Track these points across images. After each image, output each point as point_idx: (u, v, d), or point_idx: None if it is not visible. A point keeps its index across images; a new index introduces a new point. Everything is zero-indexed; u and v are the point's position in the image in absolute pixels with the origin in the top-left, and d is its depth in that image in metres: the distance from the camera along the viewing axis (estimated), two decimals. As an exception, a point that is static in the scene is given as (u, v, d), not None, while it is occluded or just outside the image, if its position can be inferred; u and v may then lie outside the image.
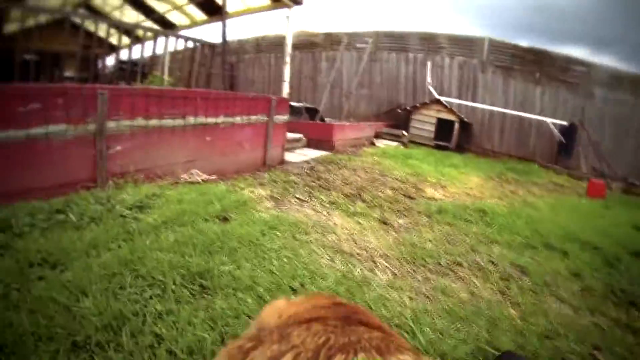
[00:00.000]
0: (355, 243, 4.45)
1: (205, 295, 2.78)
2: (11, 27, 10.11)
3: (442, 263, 4.24)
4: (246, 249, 3.60)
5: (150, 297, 2.65)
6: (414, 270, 3.98)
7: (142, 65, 8.64)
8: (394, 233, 5.04)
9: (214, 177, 6.20)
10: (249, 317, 2.56)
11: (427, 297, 3.44)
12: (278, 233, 4.20)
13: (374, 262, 4.04)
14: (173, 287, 2.77)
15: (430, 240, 4.87)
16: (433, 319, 3.03)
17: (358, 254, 4.15)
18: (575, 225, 6.52)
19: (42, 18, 9.81)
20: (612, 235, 6.18)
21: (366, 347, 0.75)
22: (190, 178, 5.87)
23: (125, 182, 5.05)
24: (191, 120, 6.13)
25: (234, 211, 4.64)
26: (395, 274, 3.83)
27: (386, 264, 4.02)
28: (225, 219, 4.40)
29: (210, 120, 6.48)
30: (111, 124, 5.03)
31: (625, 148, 14.70)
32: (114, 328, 2.31)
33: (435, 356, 2.56)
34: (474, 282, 3.91)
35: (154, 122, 5.58)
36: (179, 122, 5.94)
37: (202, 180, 5.93)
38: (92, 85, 4.92)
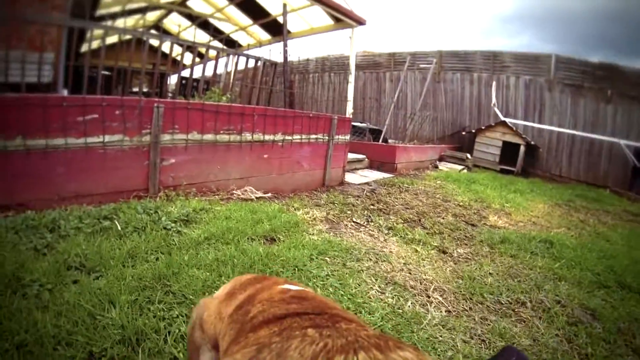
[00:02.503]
0: (410, 274, 4.08)
1: (238, 320, 2.53)
2: (87, 46, 10.67)
3: (502, 301, 3.77)
4: (290, 274, 3.33)
5: (177, 316, 2.46)
6: (470, 308, 3.55)
7: (204, 81, 8.75)
8: (452, 264, 4.61)
9: (268, 195, 6.05)
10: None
11: (483, 340, 3.01)
12: (327, 259, 3.91)
13: (428, 296, 3.66)
14: (204, 309, 2.55)
15: (490, 274, 4.40)
16: (488, 367, 2.62)
17: (412, 286, 3.77)
18: None
19: (116, 37, 10.29)
20: None
21: (365, 346, 0.74)
22: (243, 195, 5.73)
23: (177, 195, 4.99)
24: (248, 136, 6.02)
25: (283, 232, 4.40)
26: (450, 311, 3.44)
27: (441, 299, 3.62)
28: (272, 240, 4.16)
29: (268, 137, 6.35)
30: (166, 137, 5.03)
31: None
32: (132, 343, 2.17)
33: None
34: (537, 326, 3.42)
35: (209, 136, 5.51)
36: (234, 137, 5.85)
37: (256, 197, 5.77)
38: (148, 98, 4.96)
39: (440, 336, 2.90)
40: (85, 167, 4.36)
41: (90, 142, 4.35)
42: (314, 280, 3.33)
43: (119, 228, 3.65)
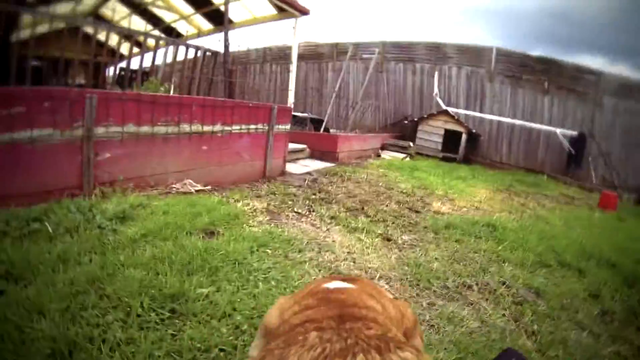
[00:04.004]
0: (355, 263, 4.12)
1: (176, 322, 2.47)
2: (20, 34, 10.12)
3: (449, 285, 3.89)
4: (230, 269, 3.28)
5: (113, 322, 2.36)
6: (417, 294, 3.64)
7: (141, 72, 8.48)
8: (397, 251, 4.70)
9: (208, 187, 5.95)
10: (223, 349, 2.28)
11: (432, 326, 3.10)
12: (269, 251, 3.88)
13: None
14: (140, 310, 2.47)
15: (436, 259, 4.52)
16: (438, 352, 2.70)
17: (357, 275, 3.80)
18: (589, 240, 6.20)
19: (52, 26, 9.78)
20: (629, 250, 5.90)
21: (365, 349, 0.74)
22: (182, 188, 5.62)
23: (113, 191, 4.80)
24: (186, 128, 5.88)
25: (223, 225, 4.35)
26: (397, 299, 3.51)
27: (387, 287, 3.69)
28: (212, 234, 4.10)
29: (207, 128, 6.22)
30: (100, 130, 4.81)
31: (636, 158, 14.46)
32: (64, 357, 2.06)
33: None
34: (485, 308, 3.56)
35: (145, 129, 5.33)
36: (172, 129, 5.70)
37: (195, 190, 5.67)
38: (80, 89, 4.73)
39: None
40: (12, 165, 4.09)
41: (16, 137, 4.08)
42: (255, 274, 3.30)
43: (50, 230, 3.47)
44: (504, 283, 4.13)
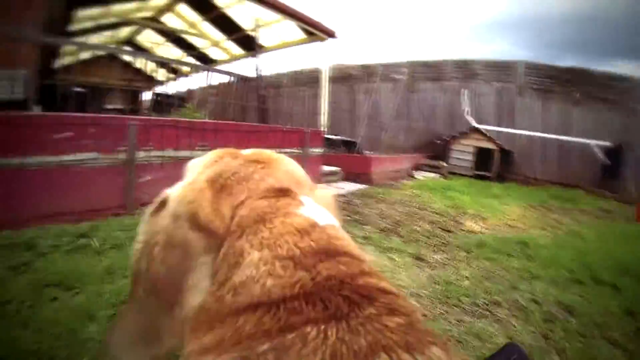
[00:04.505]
0: (386, 282, 4.16)
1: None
2: (60, 62, 10.64)
3: (478, 303, 3.87)
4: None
5: None
6: (446, 311, 3.63)
7: (177, 98, 8.80)
8: (428, 270, 4.70)
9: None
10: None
11: (460, 342, 3.10)
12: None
13: None
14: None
15: (467, 277, 4.50)
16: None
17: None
18: (626, 255, 5.98)
19: (89, 54, 10.25)
20: None
21: (389, 345, 0.52)
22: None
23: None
24: (222, 151, 6.07)
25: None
26: (426, 315, 3.52)
27: (416, 304, 3.70)
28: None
29: (242, 152, 6.40)
30: (141, 154, 5.10)
31: None
32: None
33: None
34: (513, 325, 3.54)
35: (184, 153, 5.59)
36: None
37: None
38: (123, 116, 5.01)
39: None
40: (61, 186, 4.39)
41: (65, 160, 4.40)
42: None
43: (97, 245, 3.69)
44: (534, 300, 4.07)
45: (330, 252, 0.67)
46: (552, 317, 3.75)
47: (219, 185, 0.78)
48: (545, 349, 3.17)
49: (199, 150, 5.76)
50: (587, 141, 14.25)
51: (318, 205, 0.80)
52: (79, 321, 2.46)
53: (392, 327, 0.54)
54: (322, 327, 0.53)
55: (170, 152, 5.43)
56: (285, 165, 0.93)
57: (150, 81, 12.24)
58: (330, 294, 0.58)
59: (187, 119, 6.06)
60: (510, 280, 4.58)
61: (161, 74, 12.39)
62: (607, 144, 14.01)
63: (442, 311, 3.62)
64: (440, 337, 0.57)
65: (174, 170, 5.47)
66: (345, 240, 0.73)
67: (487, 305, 3.86)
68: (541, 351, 3.12)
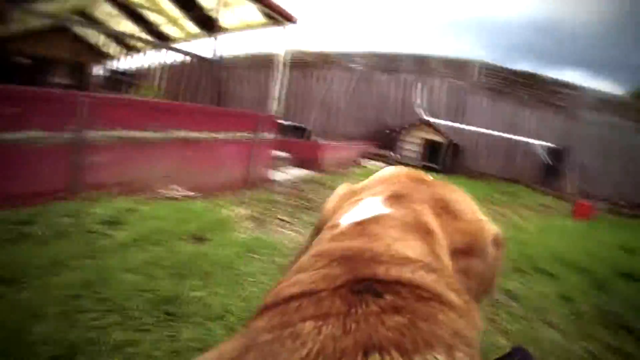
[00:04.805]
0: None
1: (172, 324, 2.56)
2: (6, 30, 10.01)
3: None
4: (220, 273, 3.37)
5: (111, 324, 2.42)
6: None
7: (132, 75, 8.49)
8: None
9: (193, 193, 6.01)
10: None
11: None
12: (256, 256, 3.99)
13: None
14: (137, 313, 2.55)
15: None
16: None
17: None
18: (563, 247, 6.47)
19: (38, 23, 9.69)
20: (600, 256, 6.17)
21: (381, 345, 0.51)
22: (169, 193, 5.67)
23: (101, 195, 4.81)
24: (174, 134, 5.94)
25: (211, 231, 4.43)
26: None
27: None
28: (201, 239, 4.18)
29: (194, 134, 6.29)
30: (90, 134, 4.83)
31: (611, 169, 15.08)
32: None
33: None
34: None
35: (135, 134, 5.38)
36: (161, 135, 5.74)
37: (181, 196, 5.73)
38: (72, 91, 4.75)
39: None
40: (1, 167, 4.11)
41: (6, 138, 4.09)
42: (243, 277, 3.41)
43: (39, 233, 3.51)
44: None
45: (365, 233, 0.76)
46: (496, 302, 4.00)
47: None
48: (491, 331, 3.41)
49: (150, 131, 5.57)
50: (532, 141, 15.06)
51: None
52: (25, 321, 2.32)
53: (389, 326, 0.54)
54: (320, 323, 0.55)
55: (121, 132, 5.19)
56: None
57: (102, 56, 11.67)
58: (343, 290, 0.61)
59: (140, 98, 5.85)
60: None
61: (114, 49, 11.83)
62: (550, 145, 14.95)
63: None
64: (446, 339, 0.55)
65: (123, 152, 5.30)
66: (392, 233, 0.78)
67: None
68: (487, 333, 3.32)
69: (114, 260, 3.21)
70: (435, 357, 0.51)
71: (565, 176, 15.16)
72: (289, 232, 5.22)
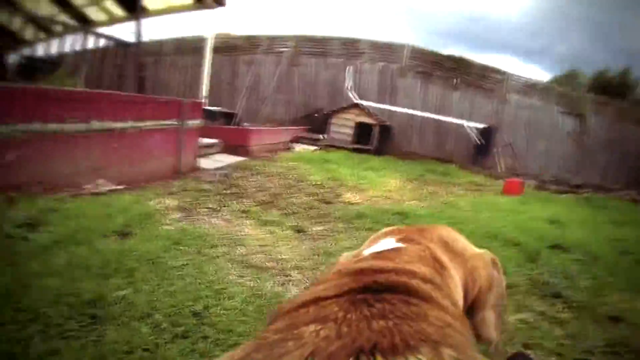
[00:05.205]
0: (267, 255, 4.33)
1: (96, 327, 2.58)
2: None
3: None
4: (146, 269, 3.40)
5: (33, 335, 2.37)
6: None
7: (51, 62, 8.08)
8: (309, 242, 4.97)
9: (121, 187, 5.91)
10: (146, 349, 2.41)
11: None
12: (182, 248, 4.03)
13: (287, 275, 3.92)
14: (60, 320, 2.54)
15: (347, 248, 4.79)
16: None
17: (270, 267, 4.02)
18: (494, 222, 6.76)
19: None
20: (531, 230, 6.45)
21: (365, 350, 0.58)
22: (95, 189, 5.56)
23: (20, 196, 4.61)
24: (96, 125, 5.77)
25: (137, 225, 4.41)
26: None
27: (299, 277, 3.92)
28: (126, 235, 4.16)
29: (118, 125, 6.15)
30: (1, 128, 4.59)
31: (537, 149, 16.36)
32: None
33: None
34: None
35: (53, 126, 5.17)
36: (82, 126, 5.57)
37: (108, 190, 5.63)
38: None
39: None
40: None
41: None
42: (171, 272, 3.44)
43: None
44: None
45: (366, 269, 0.87)
46: None
47: None
48: None
49: (70, 122, 5.38)
50: (462, 122, 15.81)
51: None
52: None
53: (376, 330, 0.62)
54: (320, 327, 0.65)
55: (36, 126, 4.96)
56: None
57: (17, 41, 10.91)
58: (345, 297, 0.74)
59: (55, 87, 5.62)
60: None
61: (32, 34, 11.08)
62: (479, 125, 15.78)
63: None
64: (433, 337, 0.62)
65: (42, 146, 5.09)
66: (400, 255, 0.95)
67: None
68: None
69: (35, 265, 3.14)
70: (417, 357, 0.57)
71: (495, 155, 16.10)
72: (218, 220, 5.25)
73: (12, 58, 12.20)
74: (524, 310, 3.80)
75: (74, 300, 2.74)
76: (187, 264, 3.68)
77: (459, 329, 0.72)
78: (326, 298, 0.75)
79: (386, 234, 1.22)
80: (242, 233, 4.90)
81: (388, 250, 1.03)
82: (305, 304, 0.75)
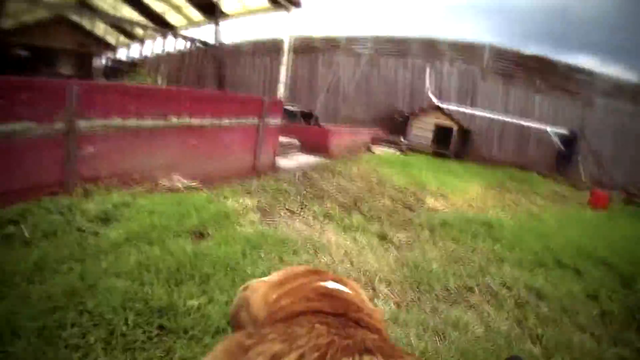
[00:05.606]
0: (352, 265, 3.96)
1: (165, 339, 2.24)
2: (7, 22, 9.80)
3: (450, 288, 3.75)
4: (222, 276, 3.04)
5: (95, 342, 2.11)
6: (419, 298, 3.49)
7: (130, 63, 8.19)
8: (394, 251, 4.57)
9: (197, 183, 5.70)
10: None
11: (436, 332, 2.94)
12: (262, 254, 3.66)
13: (374, 288, 3.55)
14: (124, 328, 2.23)
15: (435, 260, 4.37)
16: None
17: (355, 279, 3.60)
18: (583, 239, 6.15)
19: (39, 14, 9.47)
20: (623, 251, 5.85)
21: (371, 350, 0.72)
22: (170, 184, 5.36)
23: (97, 188, 4.51)
24: (174, 121, 5.61)
25: (212, 226, 4.10)
26: (399, 304, 3.34)
27: (387, 291, 3.54)
28: (201, 235, 3.87)
29: (196, 121, 5.96)
30: (83, 123, 4.51)
31: (625, 157, 14.65)
32: None
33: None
34: (488, 312, 3.44)
35: (131, 122, 5.05)
36: (160, 122, 5.42)
37: (183, 187, 5.42)
38: (62, 80, 4.45)
39: (393, 333, 2.77)
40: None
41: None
42: (248, 280, 3.07)
43: (26, 234, 3.19)
44: (504, 284, 4.04)
45: (335, 297, 1.09)
46: (523, 302, 3.75)
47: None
48: (522, 337, 3.14)
49: (148, 118, 5.24)
50: (545, 127, 14.62)
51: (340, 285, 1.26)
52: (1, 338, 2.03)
53: (373, 339, 0.80)
54: (327, 327, 0.84)
55: (116, 121, 4.87)
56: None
57: (104, 46, 11.37)
58: (333, 316, 0.94)
59: (136, 84, 5.52)
60: (478, 262, 4.54)
61: (115, 38, 11.51)
62: (563, 131, 14.48)
63: (414, 298, 3.49)
64: (414, 355, 0.80)
65: (120, 141, 4.97)
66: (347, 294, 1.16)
67: (459, 290, 3.78)
68: (517, 339, 3.07)
69: (104, 262, 2.89)
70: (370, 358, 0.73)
71: (578, 164, 14.70)
72: (298, 224, 4.90)
73: (98, 61, 12.72)
74: (620, 344, 3.33)
75: (141, 307, 2.43)
76: (267, 273, 3.28)
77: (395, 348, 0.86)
78: (324, 312, 0.97)
79: (308, 273, 1.38)
80: (325, 239, 4.50)
81: (346, 292, 1.22)
82: (303, 313, 0.98)
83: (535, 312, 3.57)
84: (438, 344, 2.80)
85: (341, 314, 1.01)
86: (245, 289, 1.43)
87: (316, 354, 0.72)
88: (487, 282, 4.01)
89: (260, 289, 1.31)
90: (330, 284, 1.27)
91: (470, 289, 3.83)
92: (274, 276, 1.46)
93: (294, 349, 0.74)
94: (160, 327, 2.33)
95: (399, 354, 0.78)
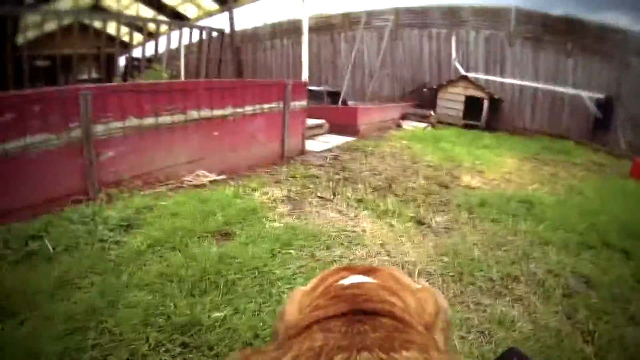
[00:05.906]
0: (390, 256, 3.73)
1: (189, 357, 2.09)
2: (24, 37, 9.90)
3: (493, 278, 3.47)
4: (249, 281, 2.87)
5: None
6: (461, 292, 3.22)
7: (145, 60, 8.11)
8: (433, 236, 4.30)
9: (223, 176, 5.57)
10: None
11: (482, 332, 2.69)
12: (292, 252, 3.48)
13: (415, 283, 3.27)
14: (147, 349, 2.09)
15: (475, 245, 4.08)
16: (494, 369, 2.31)
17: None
18: (628, 214, 5.60)
19: (54, 24, 9.52)
20: None
21: (368, 346, 0.68)
22: (195, 180, 5.25)
23: (120, 192, 4.44)
24: (194, 114, 5.48)
25: (239, 224, 3.94)
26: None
27: (428, 285, 3.25)
28: (227, 235, 3.71)
29: (217, 112, 5.82)
30: (99, 128, 4.44)
31: None
32: None
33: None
34: (535, 305, 3.13)
35: (149, 120, 4.96)
36: (178, 117, 5.30)
37: (209, 181, 5.29)
38: (72, 87, 4.37)
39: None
40: (7, 178, 3.74)
41: (8, 147, 3.72)
42: (279, 284, 2.90)
43: (50, 250, 3.10)
44: (550, 271, 3.70)
45: (349, 293, 0.98)
46: (572, 291, 3.40)
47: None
48: (572, 334, 2.80)
49: (166, 115, 5.13)
50: (579, 92, 13.82)
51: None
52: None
53: (373, 337, 0.73)
54: (328, 334, 0.76)
55: (133, 121, 4.78)
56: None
57: (124, 46, 11.38)
58: (345, 317, 0.84)
59: (148, 82, 5.39)
60: (521, 246, 4.20)
61: (134, 36, 11.49)
62: (598, 95, 13.68)
63: (456, 292, 3.24)
64: (419, 344, 0.69)
65: (139, 141, 4.89)
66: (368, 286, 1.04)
67: (503, 279, 3.50)
68: (568, 338, 2.75)
69: (124, 275, 2.77)
70: (410, 356, 0.67)
71: (616, 130, 13.84)
72: (331, 213, 4.69)
73: (120, 61, 12.74)
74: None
75: (164, 323, 2.30)
76: (298, 274, 3.12)
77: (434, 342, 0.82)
78: (327, 318, 0.85)
79: (339, 271, 1.19)
80: (359, 228, 4.28)
81: (363, 283, 1.07)
82: (309, 325, 0.85)
83: (585, 303, 3.21)
84: (484, 345, 2.56)
85: (343, 313, 0.90)
86: (287, 297, 1.25)
87: (310, 353, 0.69)
88: (532, 270, 3.70)
89: (295, 296, 1.16)
90: (350, 279, 1.13)
91: (515, 278, 3.53)
92: (310, 282, 1.28)
93: (287, 356, 0.72)
94: (183, 345, 2.19)
95: (403, 344, 0.71)
